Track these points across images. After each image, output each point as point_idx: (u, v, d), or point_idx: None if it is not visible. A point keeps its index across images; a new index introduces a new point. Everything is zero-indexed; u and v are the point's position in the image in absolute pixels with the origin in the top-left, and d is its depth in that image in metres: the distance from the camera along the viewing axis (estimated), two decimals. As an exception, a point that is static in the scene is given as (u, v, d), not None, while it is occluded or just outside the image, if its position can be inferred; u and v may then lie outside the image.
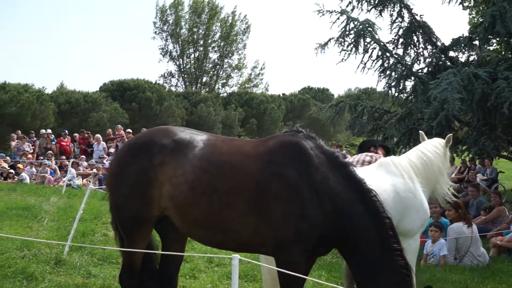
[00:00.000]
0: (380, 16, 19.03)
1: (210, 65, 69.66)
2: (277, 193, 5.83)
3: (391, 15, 18.98)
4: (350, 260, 6.02)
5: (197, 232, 6.34)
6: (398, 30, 18.95)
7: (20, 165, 23.07)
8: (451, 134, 8.38)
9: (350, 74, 60.93)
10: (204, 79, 70.13)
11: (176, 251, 6.72)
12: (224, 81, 70.90)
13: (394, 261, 5.79)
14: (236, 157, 6.16)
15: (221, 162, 6.13)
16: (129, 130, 26.03)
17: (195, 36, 67.87)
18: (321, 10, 18.55)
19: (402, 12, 18.76)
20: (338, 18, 18.36)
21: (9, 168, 23.17)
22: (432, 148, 7.96)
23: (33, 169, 22.96)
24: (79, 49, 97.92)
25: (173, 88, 64.47)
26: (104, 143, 25.14)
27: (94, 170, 22.80)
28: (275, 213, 5.80)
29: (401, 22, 18.89)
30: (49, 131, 27.51)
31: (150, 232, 6.65)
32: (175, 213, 6.20)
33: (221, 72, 70.03)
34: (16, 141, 25.49)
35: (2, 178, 22.49)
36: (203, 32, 67.76)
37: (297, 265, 5.81)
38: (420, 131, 8.69)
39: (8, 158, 25.15)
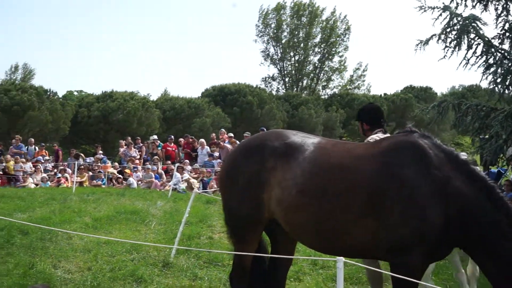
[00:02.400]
0: (485, 11, 18.39)
1: (311, 68, 69.59)
2: (395, 194, 5.62)
3: (496, 9, 18.30)
4: (481, 259, 5.71)
5: (305, 236, 6.24)
6: (504, 25, 18.24)
7: (127, 170, 23.81)
8: None
9: (453, 72, 59.45)
10: (305, 81, 70.16)
11: (285, 254, 6.66)
12: (325, 83, 70.68)
13: None
14: (347, 159, 6.01)
15: (331, 164, 6.01)
16: (231, 134, 26.30)
17: (296, 39, 67.98)
18: (423, 6, 18.09)
19: (508, 6, 18.04)
20: (441, 14, 17.86)
21: (117, 174, 24.02)
22: None
23: (140, 174, 23.64)
24: (182, 56, 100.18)
25: (274, 92, 64.92)
26: (208, 148, 25.51)
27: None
28: (393, 215, 5.60)
29: (506, 16, 18.17)
30: (155, 137, 28.21)
31: (260, 234, 6.64)
32: (283, 217, 6.15)
33: (321, 75, 69.83)
34: (125, 147, 26.33)
35: (111, 183, 23.30)
36: (303, 35, 67.76)
37: (414, 269, 5.63)
38: None
39: (116, 164, 26.05)
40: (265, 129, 26.74)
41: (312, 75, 69.79)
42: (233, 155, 6.88)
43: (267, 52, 68.99)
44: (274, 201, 6.13)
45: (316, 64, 69.24)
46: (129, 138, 28.41)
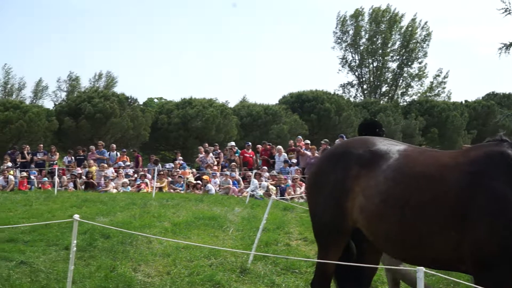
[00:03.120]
0: None
1: (390, 75, 68.74)
2: (483, 206, 5.32)
3: None
4: None
5: (388, 246, 6.10)
6: None
7: (206, 177, 24.06)
8: None
9: (539, 78, 56.78)
10: (383, 88, 69.34)
11: (369, 263, 6.50)
12: (404, 90, 69.67)
13: None
14: (433, 168, 5.77)
15: (416, 173, 5.82)
16: (308, 141, 26.19)
17: (374, 46, 67.29)
18: (508, 8, 17.55)
19: None
20: (527, 16, 17.27)
21: (195, 180, 24.32)
22: None
23: (218, 180, 23.85)
24: (260, 63, 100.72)
25: (352, 98, 64.42)
26: (285, 154, 25.49)
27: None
28: (480, 229, 5.31)
29: None
30: (233, 143, 28.41)
31: (344, 242, 6.49)
32: (366, 225, 6.04)
33: (400, 81, 68.86)
34: (203, 153, 26.63)
35: (190, 189, 23.60)
36: (382, 41, 67.00)
37: (501, 285, 5.32)
38: None
39: (194, 170, 26.38)
40: (344, 136, 26.62)
41: (390, 81, 68.92)
42: (319, 163, 6.83)
43: (345, 59, 68.60)
44: (357, 209, 6.02)
45: (395, 71, 68.34)
46: (206, 144, 28.74)
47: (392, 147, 6.22)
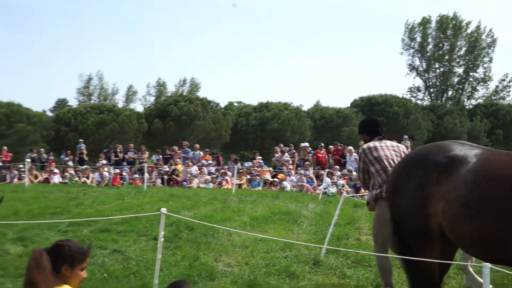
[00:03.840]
0: None
1: (455, 79, 67.23)
2: None
3: None
4: None
5: (471, 247, 5.90)
6: None
7: (281, 175, 24.09)
8: None
9: None
10: (450, 92, 67.84)
11: (443, 259, 6.22)
12: (470, 93, 67.99)
13: None
14: (511, 170, 5.55)
15: (495, 175, 5.60)
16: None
17: (441, 52, 65.98)
18: None
19: None
20: None
21: (271, 178, 24.39)
22: None
23: (293, 178, 23.85)
24: (333, 68, 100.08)
25: (419, 102, 63.28)
26: (356, 154, 25.24)
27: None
28: None
29: None
30: (307, 144, 28.35)
31: (436, 245, 6.10)
32: (449, 229, 5.82)
33: (466, 85, 67.23)
34: (279, 153, 26.70)
35: (267, 186, 23.67)
36: (448, 48, 65.60)
37: None
38: None
39: (271, 168, 26.46)
40: (406, 137, 26.34)
41: (456, 85, 67.37)
42: (398, 169, 6.58)
43: (413, 64, 67.55)
44: (440, 214, 5.81)
45: (461, 75, 66.75)
46: (282, 144, 28.78)
47: (468, 151, 5.99)
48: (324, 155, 26.58)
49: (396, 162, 7.17)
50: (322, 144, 27.87)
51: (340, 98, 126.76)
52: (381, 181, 7.24)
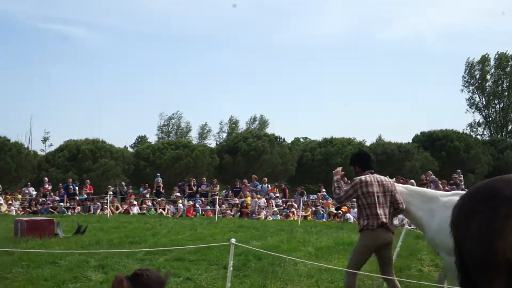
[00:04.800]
0: None
1: (516, 114, 65.40)
2: None
3: None
4: None
5: None
6: None
7: (345, 207, 23.80)
8: None
9: None
10: (510, 127, 65.87)
11: None
12: (530, 128, 65.93)
13: None
14: None
15: None
16: (433, 176, 25.27)
17: (500, 88, 64.45)
18: None
19: None
20: None
21: (335, 210, 24.13)
22: None
23: (356, 210, 23.51)
24: (394, 105, 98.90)
25: (479, 137, 61.70)
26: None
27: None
28: None
29: None
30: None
31: (502, 279, 5.76)
32: None
33: (525, 120, 65.30)
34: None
35: (331, 217, 23.43)
36: (507, 84, 64.03)
37: None
38: None
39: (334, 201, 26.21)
40: (460, 171, 25.71)
41: (517, 121, 65.49)
42: (463, 201, 6.34)
43: (473, 100, 66.16)
44: (510, 248, 5.51)
45: (520, 110, 64.92)
46: (345, 178, 28.45)
47: None
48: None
49: (384, 197, 7.42)
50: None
51: (401, 133, 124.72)
52: (368, 213, 7.36)
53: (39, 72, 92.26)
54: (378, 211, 7.32)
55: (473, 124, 67.06)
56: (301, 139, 65.19)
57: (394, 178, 8.16)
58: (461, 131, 52.42)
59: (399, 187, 8.00)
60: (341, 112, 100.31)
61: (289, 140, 54.12)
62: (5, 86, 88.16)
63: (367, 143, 51.14)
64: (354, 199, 7.73)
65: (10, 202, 27.28)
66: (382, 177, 7.73)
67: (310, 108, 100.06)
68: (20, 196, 28.86)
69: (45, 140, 59.41)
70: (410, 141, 49.80)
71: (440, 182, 23.63)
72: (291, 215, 24.13)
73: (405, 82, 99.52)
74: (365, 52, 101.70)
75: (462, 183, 26.02)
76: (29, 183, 30.87)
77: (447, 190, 22.27)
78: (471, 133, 62.64)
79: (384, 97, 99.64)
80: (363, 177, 7.59)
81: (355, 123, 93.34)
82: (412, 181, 25.49)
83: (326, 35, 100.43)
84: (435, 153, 45.52)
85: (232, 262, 8.51)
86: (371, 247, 7.38)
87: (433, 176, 25.56)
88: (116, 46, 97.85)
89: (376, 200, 7.38)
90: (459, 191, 8.18)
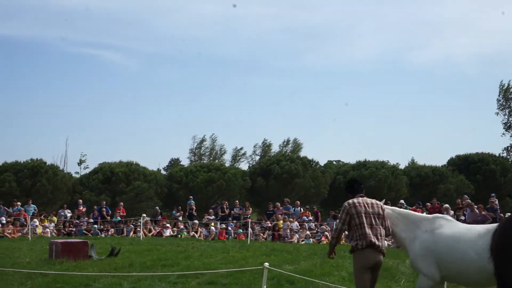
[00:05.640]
0: None
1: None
2: None
3: None
4: None
5: None
6: None
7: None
8: None
9: None
10: (547, 150, 64.58)
11: None
12: None
13: None
14: None
15: None
16: (469, 200, 24.86)
17: (536, 111, 63.45)
18: None
19: None
20: None
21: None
22: None
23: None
24: (427, 128, 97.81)
25: (516, 161, 60.58)
26: (453, 212, 24.31)
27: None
28: None
29: None
30: (402, 201, 27.66)
31: None
32: None
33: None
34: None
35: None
36: (543, 107, 63.04)
37: None
38: None
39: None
40: (494, 195, 25.29)
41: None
42: (505, 226, 6.23)
43: (509, 124, 65.08)
44: None
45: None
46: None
47: None
48: (420, 213, 25.79)
49: (373, 218, 7.69)
50: (420, 202, 27.21)
51: (436, 157, 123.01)
52: (357, 234, 7.62)
53: (75, 95, 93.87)
54: (367, 231, 7.55)
55: (509, 147, 65.96)
56: (334, 162, 64.85)
57: (384, 200, 8.32)
58: (497, 155, 51.61)
59: (387, 209, 8.17)
60: (375, 134, 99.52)
61: (322, 163, 53.87)
62: (42, 109, 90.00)
63: (401, 166, 50.67)
64: None
65: (45, 224, 27.63)
66: (372, 200, 8.00)
67: (343, 131, 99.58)
68: (55, 218, 29.22)
69: (81, 162, 60.40)
70: (445, 164, 49.16)
71: (476, 206, 23.17)
72: (324, 239, 23.92)
73: (439, 105, 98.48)
74: (398, 75, 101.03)
75: (498, 207, 25.54)
76: (65, 205, 31.25)
77: (483, 215, 21.88)
78: (508, 156, 61.63)
79: (417, 120, 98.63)
80: (350, 200, 7.89)
81: (388, 146, 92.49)
82: (447, 205, 25.12)
83: (358, 58, 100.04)
84: (471, 177, 44.81)
85: (265, 287, 8.44)
86: (366, 266, 7.62)
87: (468, 200, 25.13)
88: (150, 70, 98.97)
89: (365, 220, 7.63)
90: (439, 215, 8.39)
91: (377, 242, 7.55)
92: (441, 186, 42.72)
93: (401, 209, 8.50)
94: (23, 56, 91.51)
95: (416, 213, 8.40)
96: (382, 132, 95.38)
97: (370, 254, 7.56)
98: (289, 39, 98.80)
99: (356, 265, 7.73)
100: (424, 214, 8.25)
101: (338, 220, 8.04)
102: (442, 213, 24.57)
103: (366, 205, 7.78)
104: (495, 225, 7.38)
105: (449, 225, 7.74)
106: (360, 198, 7.90)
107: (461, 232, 7.54)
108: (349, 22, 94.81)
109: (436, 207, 25.48)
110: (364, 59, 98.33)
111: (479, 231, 7.35)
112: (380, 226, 7.73)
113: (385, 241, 7.92)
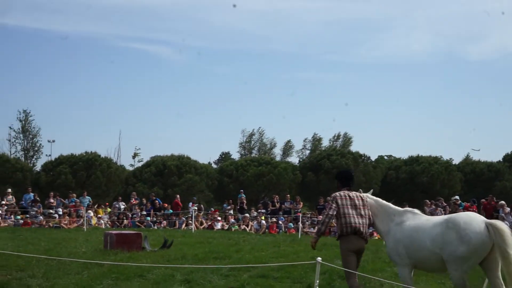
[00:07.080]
0: None
1: None
2: None
3: None
4: None
5: None
6: None
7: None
8: None
9: None
10: None
11: None
12: None
13: None
14: None
15: None
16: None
17: None
18: None
19: None
20: None
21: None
22: None
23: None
24: (483, 122, 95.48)
25: None
26: (509, 209, 23.71)
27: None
28: None
29: None
30: (457, 197, 27.16)
31: None
32: None
33: None
34: (432, 206, 25.92)
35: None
36: None
37: None
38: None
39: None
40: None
41: None
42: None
43: None
44: None
45: None
46: (428, 202, 27.77)
47: None
48: (474, 210, 25.24)
49: (356, 209, 8.41)
50: (475, 199, 26.64)
51: (492, 152, 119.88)
52: (343, 222, 8.35)
53: (128, 90, 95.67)
54: (352, 219, 8.32)
55: None
56: (385, 157, 64.09)
57: (360, 190, 8.84)
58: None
59: (370, 199, 8.80)
60: (428, 129, 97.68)
61: (373, 157, 53.28)
62: (96, 103, 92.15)
63: (455, 162, 49.66)
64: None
65: (100, 215, 28.26)
66: (356, 193, 8.77)
67: (395, 124, 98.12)
68: (109, 209, 29.85)
69: (135, 155, 61.54)
70: (501, 160, 47.93)
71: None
72: (375, 234, 23.67)
73: (495, 99, 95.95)
74: (452, 69, 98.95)
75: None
76: (119, 197, 31.91)
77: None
78: None
79: (472, 115, 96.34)
80: (337, 193, 8.66)
81: (442, 140, 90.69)
82: (503, 202, 24.51)
83: (413, 51, 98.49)
84: (528, 173, 43.63)
85: (318, 281, 8.44)
86: (350, 249, 8.32)
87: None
88: (200, 64, 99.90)
89: (350, 211, 8.40)
90: (408, 208, 8.86)
91: (361, 229, 8.32)
92: (497, 183, 41.71)
93: (383, 201, 8.87)
94: (77, 52, 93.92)
95: (393, 206, 8.72)
96: (436, 126, 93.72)
97: (354, 240, 8.30)
98: (342, 32, 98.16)
99: (343, 248, 8.40)
100: (397, 208, 8.51)
101: (327, 209, 8.56)
102: (498, 210, 24.08)
103: (350, 197, 8.54)
104: (453, 214, 8.30)
105: (413, 218, 8.28)
106: (346, 192, 8.66)
107: (421, 223, 8.10)
108: (401, 13, 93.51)
109: (492, 204, 24.91)
110: (418, 51, 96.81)
111: (435, 221, 7.99)
112: (363, 216, 8.44)
113: (367, 229, 8.57)
